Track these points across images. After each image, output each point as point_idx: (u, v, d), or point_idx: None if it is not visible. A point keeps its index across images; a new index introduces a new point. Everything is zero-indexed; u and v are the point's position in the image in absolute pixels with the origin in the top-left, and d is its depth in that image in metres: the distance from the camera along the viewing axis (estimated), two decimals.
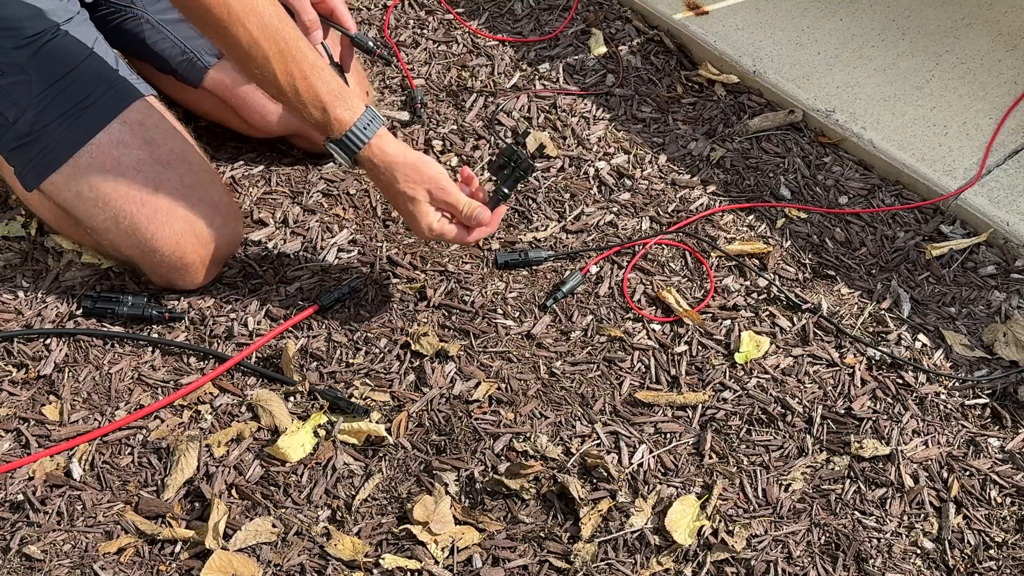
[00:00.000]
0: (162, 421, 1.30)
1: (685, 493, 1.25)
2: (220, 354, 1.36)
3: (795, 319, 1.46)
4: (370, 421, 1.29)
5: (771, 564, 1.19)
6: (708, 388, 1.37)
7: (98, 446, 1.27)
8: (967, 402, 1.36)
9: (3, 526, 1.19)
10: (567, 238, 1.56)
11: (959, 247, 1.56)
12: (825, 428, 1.33)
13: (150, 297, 1.42)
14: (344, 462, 1.27)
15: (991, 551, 1.22)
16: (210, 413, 1.31)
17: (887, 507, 1.26)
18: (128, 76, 1.38)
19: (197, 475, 1.24)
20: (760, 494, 1.26)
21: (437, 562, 1.18)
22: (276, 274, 1.47)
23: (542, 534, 1.21)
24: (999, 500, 1.27)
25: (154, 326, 1.39)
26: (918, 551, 1.22)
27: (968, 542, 1.23)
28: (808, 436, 1.32)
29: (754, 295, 1.49)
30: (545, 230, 1.57)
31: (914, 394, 1.37)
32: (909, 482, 1.28)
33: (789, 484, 1.27)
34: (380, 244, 1.52)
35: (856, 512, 1.25)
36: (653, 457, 1.29)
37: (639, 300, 1.47)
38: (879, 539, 1.23)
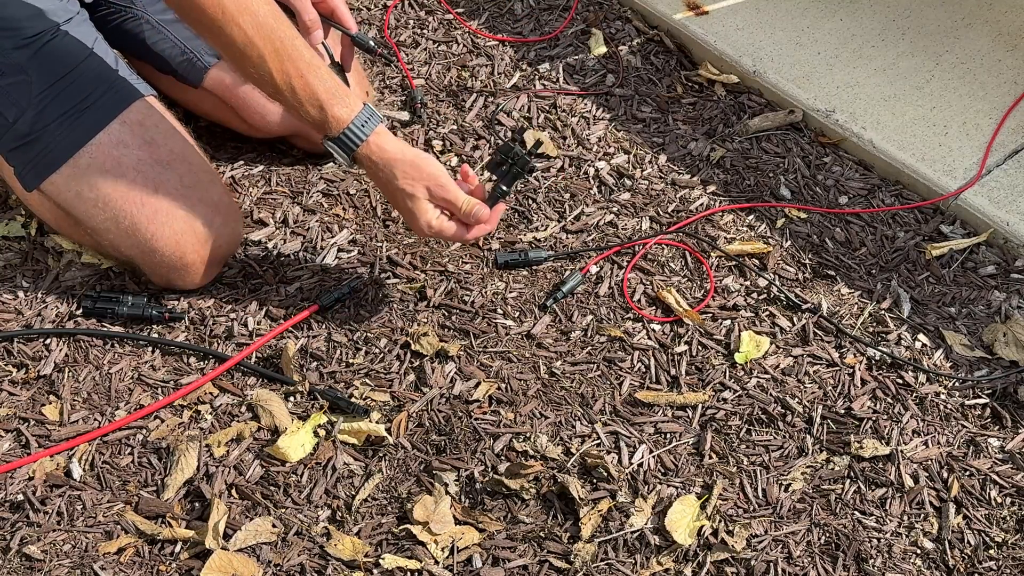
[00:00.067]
0: (162, 421, 1.30)
1: (685, 493, 1.25)
2: (220, 354, 1.36)
3: (795, 319, 1.46)
4: (370, 421, 1.29)
5: (771, 564, 1.19)
6: (708, 388, 1.37)
7: (98, 446, 1.27)
8: (967, 402, 1.36)
9: (3, 526, 1.19)
10: (567, 238, 1.56)
11: (959, 247, 1.56)
12: (825, 428, 1.33)
13: (150, 297, 1.42)
14: (344, 462, 1.27)
15: (991, 551, 1.22)
16: (210, 413, 1.31)
17: (887, 507, 1.26)
18: (128, 76, 1.38)
19: (197, 475, 1.24)
20: (760, 494, 1.26)
21: (437, 562, 1.18)
22: (276, 274, 1.47)
23: (542, 534, 1.21)
24: (999, 500, 1.27)
25: (154, 326, 1.39)
26: (918, 551, 1.22)
27: (968, 542, 1.23)
28: (808, 436, 1.32)
29: (754, 295, 1.49)
30: (545, 230, 1.57)
31: (914, 394, 1.37)
32: (909, 482, 1.28)
33: (789, 484, 1.27)
34: (380, 244, 1.52)
35: (856, 512, 1.25)
36: (653, 457, 1.29)
37: (639, 300, 1.47)
38: (879, 539, 1.23)
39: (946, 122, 1.71)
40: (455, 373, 1.36)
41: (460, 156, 1.67)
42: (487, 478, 1.25)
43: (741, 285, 1.50)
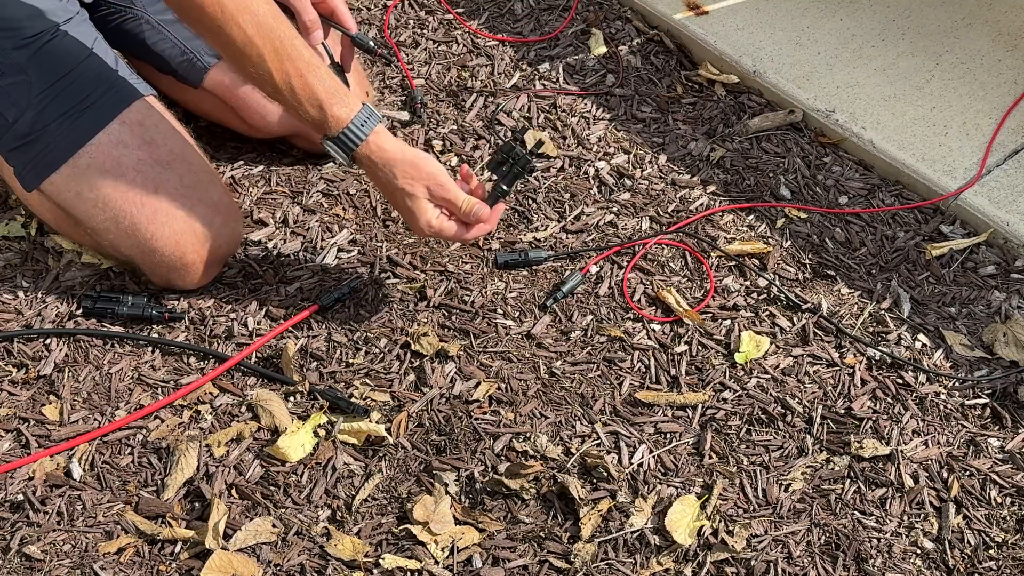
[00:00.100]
0: (162, 421, 1.30)
1: (685, 493, 1.25)
2: (220, 354, 1.36)
3: (795, 319, 1.46)
4: (370, 421, 1.29)
5: (771, 564, 1.19)
6: (708, 388, 1.37)
7: (98, 446, 1.27)
8: (967, 402, 1.36)
9: (3, 526, 1.19)
10: (567, 238, 1.56)
11: (959, 247, 1.56)
12: (825, 428, 1.33)
13: (150, 297, 1.42)
14: (344, 462, 1.27)
15: (991, 551, 1.22)
16: (210, 413, 1.31)
17: (887, 507, 1.26)
18: (128, 76, 1.38)
19: (197, 475, 1.24)
20: (760, 494, 1.26)
21: (437, 562, 1.18)
22: (276, 274, 1.47)
23: (542, 534, 1.21)
24: (999, 500, 1.27)
25: (154, 326, 1.39)
26: (918, 551, 1.22)
27: (968, 542, 1.23)
28: (808, 436, 1.32)
29: (754, 295, 1.49)
30: (545, 230, 1.57)
31: (914, 394, 1.37)
32: (909, 482, 1.28)
33: (789, 484, 1.27)
34: (380, 244, 1.52)
35: (856, 512, 1.25)
36: (653, 457, 1.29)
37: (639, 300, 1.47)
38: (879, 539, 1.23)
39: (946, 122, 1.71)
40: (455, 373, 1.36)
41: (460, 156, 1.67)
42: (487, 478, 1.25)
43: (741, 285, 1.50)
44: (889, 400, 1.36)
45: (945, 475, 1.29)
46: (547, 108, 1.77)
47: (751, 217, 1.60)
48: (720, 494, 1.25)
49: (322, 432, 1.29)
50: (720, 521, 1.23)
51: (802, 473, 1.28)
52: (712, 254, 1.54)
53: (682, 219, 1.59)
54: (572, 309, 1.46)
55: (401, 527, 1.21)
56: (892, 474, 1.28)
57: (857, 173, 1.68)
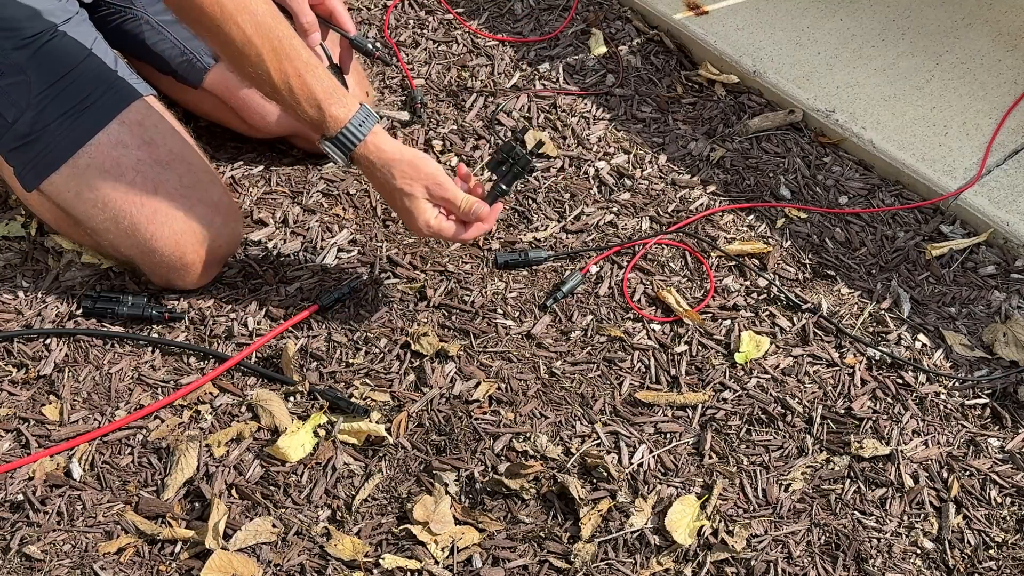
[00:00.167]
0: (162, 421, 1.30)
1: (685, 493, 1.25)
2: (220, 354, 1.36)
3: (795, 319, 1.46)
4: (370, 421, 1.29)
5: (771, 564, 1.19)
6: (708, 388, 1.37)
7: (98, 446, 1.27)
8: (967, 402, 1.36)
9: (3, 526, 1.19)
10: (567, 238, 1.56)
11: (959, 247, 1.56)
12: (825, 428, 1.33)
13: (150, 297, 1.42)
14: (344, 462, 1.27)
15: (991, 551, 1.22)
16: (210, 413, 1.31)
17: (887, 507, 1.26)
18: (127, 76, 1.38)
19: (197, 475, 1.24)
20: (760, 494, 1.26)
21: (437, 562, 1.18)
22: (276, 274, 1.47)
23: (542, 534, 1.21)
24: (999, 500, 1.27)
25: (154, 326, 1.39)
26: (918, 551, 1.22)
27: (968, 542, 1.23)
28: (808, 436, 1.32)
29: (754, 295, 1.49)
30: (545, 230, 1.57)
31: (914, 394, 1.37)
32: (909, 482, 1.28)
33: (789, 484, 1.27)
34: (380, 244, 1.52)
35: (856, 512, 1.25)
36: (653, 457, 1.29)
37: (639, 300, 1.47)
38: (879, 539, 1.23)
39: (946, 122, 1.71)
40: (455, 373, 1.36)
41: (460, 156, 1.67)
42: (487, 478, 1.25)
43: (741, 285, 1.50)
44: (889, 400, 1.36)
45: (945, 475, 1.29)
46: (547, 108, 1.77)
47: (751, 217, 1.60)
48: (720, 494, 1.25)
49: (322, 432, 1.29)
50: (720, 521, 1.23)
51: (802, 473, 1.28)
52: (712, 254, 1.54)
53: (682, 219, 1.59)
54: (572, 309, 1.46)
55: (401, 527, 1.21)
56: (892, 474, 1.28)
57: (857, 173, 1.68)
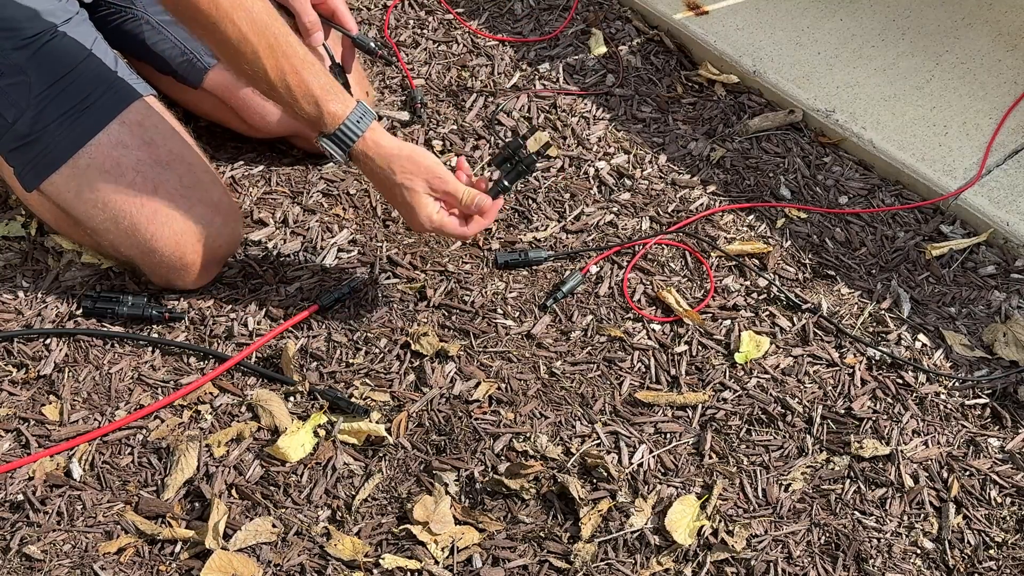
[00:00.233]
0: (162, 421, 1.30)
1: (685, 493, 1.25)
2: (220, 354, 1.36)
3: (795, 319, 1.46)
4: (370, 421, 1.29)
5: (771, 564, 1.19)
6: (708, 388, 1.37)
7: (98, 446, 1.27)
8: (967, 402, 1.36)
9: (3, 526, 1.19)
10: (567, 238, 1.56)
11: (959, 247, 1.56)
12: (825, 428, 1.33)
13: (150, 297, 1.42)
14: (344, 462, 1.27)
15: (991, 551, 1.22)
16: (210, 413, 1.31)
17: (887, 507, 1.26)
18: (127, 76, 1.38)
19: (197, 475, 1.24)
20: (760, 494, 1.26)
21: (437, 562, 1.18)
22: (276, 274, 1.47)
23: (542, 534, 1.21)
24: (999, 500, 1.27)
25: (154, 326, 1.39)
26: (918, 551, 1.22)
27: (968, 542, 1.23)
28: (808, 436, 1.32)
29: (754, 295, 1.49)
30: (545, 230, 1.57)
31: (914, 394, 1.37)
32: (909, 482, 1.28)
33: (789, 484, 1.27)
34: (380, 244, 1.52)
35: (856, 512, 1.25)
36: (653, 457, 1.29)
37: (639, 300, 1.47)
38: (879, 539, 1.23)
39: (946, 122, 1.71)
40: (455, 373, 1.36)
41: (460, 156, 1.67)
42: (487, 478, 1.25)
43: (741, 285, 1.50)
44: (889, 400, 1.36)
45: (945, 475, 1.29)
46: (547, 108, 1.77)
47: (751, 217, 1.60)
48: (720, 494, 1.25)
49: (322, 432, 1.29)
50: (720, 521, 1.23)
51: (802, 473, 1.28)
52: (712, 254, 1.54)
53: (682, 219, 1.59)
54: (572, 309, 1.46)
55: (401, 527, 1.21)
56: (892, 474, 1.28)
57: (857, 173, 1.68)
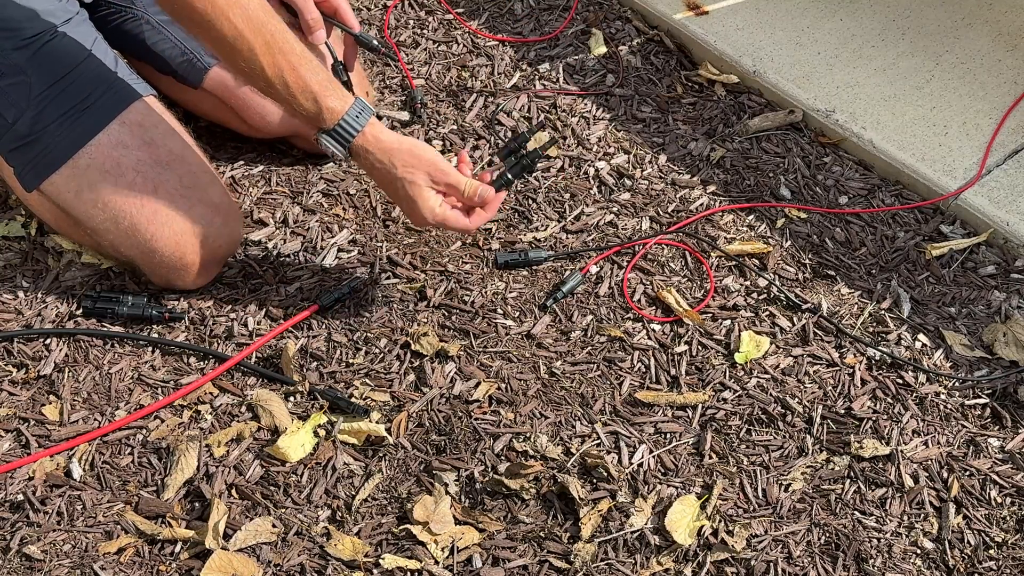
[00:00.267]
0: (162, 421, 1.30)
1: (685, 493, 1.25)
2: (220, 354, 1.36)
3: (795, 319, 1.46)
4: (370, 421, 1.29)
5: (771, 564, 1.19)
6: (708, 388, 1.37)
7: (98, 446, 1.27)
8: (967, 402, 1.36)
9: (3, 526, 1.19)
10: (567, 238, 1.56)
11: (959, 247, 1.56)
12: (825, 428, 1.33)
13: (150, 297, 1.42)
14: (344, 462, 1.27)
15: (991, 551, 1.22)
16: (210, 413, 1.31)
17: (887, 507, 1.26)
18: (127, 76, 1.38)
19: (197, 475, 1.24)
20: (760, 494, 1.26)
21: (437, 562, 1.18)
22: (276, 274, 1.47)
23: (542, 534, 1.21)
24: (999, 500, 1.27)
25: (154, 326, 1.39)
26: (918, 551, 1.22)
27: (968, 542, 1.23)
28: (808, 436, 1.32)
29: (754, 295, 1.49)
30: (545, 230, 1.57)
31: (914, 394, 1.37)
32: (909, 482, 1.28)
33: (789, 484, 1.27)
34: (380, 244, 1.52)
35: (856, 512, 1.25)
36: (653, 457, 1.29)
37: (639, 300, 1.47)
38: (879, 539, 1.23)
39: (946, 122, 1.71)
40: (455, 373, 1.36)
41: (462, 150, 1.67)
42: (487, 478, 1.25)
43: (741, 285, 1.50)
44: (889, 400, 1.36)
45: (945, 475, 1.29)
46: (547, 108, 1.77)
47: (751, 217, 1.60)
48: (720, 494, 1.25)
49: (322, 432, 1.29)
50: (720, 521, 1.23)
51: (802, 473, 1.28)
52: (712, 254, 1.54)
53: (682, 219, 1.59)
54: (572, 309, 1.46)
55: (401, 527, 1.21)
56: (892, 474, 1.28)
57: (857, 173, 1.68)
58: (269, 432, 1.29)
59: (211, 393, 1.33)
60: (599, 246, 1.54)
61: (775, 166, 1.68)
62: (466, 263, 1.51)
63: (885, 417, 1.34)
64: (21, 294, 1.42)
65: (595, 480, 1.26)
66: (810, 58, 1.82)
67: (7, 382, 1.32)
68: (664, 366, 1.39)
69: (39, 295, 1.42)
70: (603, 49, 1.88)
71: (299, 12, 1.36)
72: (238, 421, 1.30)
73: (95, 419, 1.30)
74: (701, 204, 1.61)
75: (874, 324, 1.46)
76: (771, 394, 1.36)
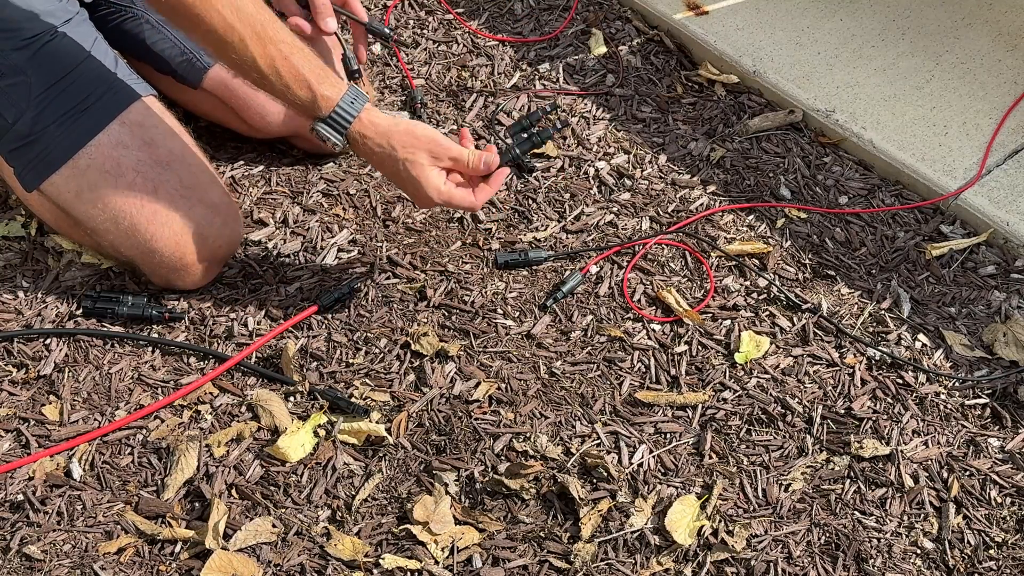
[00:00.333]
0: (162, 421, 1.30)
1: (685, 493, 1.25)
2: (220, 354, 1.36)
3: (795, 319, 1.46)
4: (370, 421, 1.29)
5: (771, 564, 1.19)
6: (708, 388, 1.37)
7: (98, 446, 1.27)
8: (967, 402, 1.36)
9: (3, 526, 1.19)
10: (567, 238, 1.56)
11: (959, 247, 1.56)
12: (825, 428, 1.33)
13: (150, 297, 1.42)
14: (344, 462, 1.27)
15: (991, 551, 1.22)
16: (210, 413, 1.31)
17: (887, 507, 1.26)
18: (127, 77, 1.38)
19: (197, 475, 1.24)
20: (760, 494, 1.26)
21: (437, 562, 1.18)
22: (276, 274, 1.47)
23: (542, 534, 1.21)
24: (999, 500, 1.27)
25: (154, 326, 1.39)
26: (918, 551, 1.22)
27: (968, 542, 1.23)
28: (808, 436, 1.32)
29: (754, 295, 1.49)
30: (545, 230, 1.57)
31: (914, 394, 1.37)
32: (909, 482, 1.28)
33: (789, 484, 1.27)
34: (380, 244, 1.52)
35: (856, 512, 1.25)
36: (653, 457, 1.29)
37: (639, 300, 1.47)
38: (879, 539, 1.23)
39: (946, 122, 1.71)
40: (455, 373, 1.36)
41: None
42: (487, 478, 1.25)
43: (741, 285, 1.50)
44: (889, 400, 1.36)
45: (945, 475, 1.29)
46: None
47: (751, 217, 1.60)
48: (720, 494, 1.25)
49: (322, 432, 1.29)
50: (720, 521, 1.23)
51: (802, 473, 1.28)
52: (712, 254, 1.54)
53: (682, 219, 1.59)
54: (572, 309, 1.46)
55: (401, 527, 1.21)
56: (892, 474, 1.28)
57: (857, 173, 1.68)
58: (269, 432, 1.29)
59: (211, 393, 1.33)
60: (599, 246, 1.54)
61: (775, 166, 1.68)
62: (466, 263, 1.51)
63: (885, 417, 1.34)
64: (21, 294, 1.42)
65: (595, 480, 1.26)
66: (810, 58, 1.82)
67: (7, 382, 1.32)
68: (664, 366, 1.39)
69: (39, 295, 1.42)
70: (603, 49, 1.88)
71: (310, 1, 1.37)
72: (238, 421, 1.30)
73: (95, 419, 1.30)
74: (701, 204, 1.61)
75: (874, 324, 1.46)
76: (771, 394, 1.36)
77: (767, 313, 1.46)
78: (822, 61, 1.82)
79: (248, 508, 1.22)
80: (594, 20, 1.94)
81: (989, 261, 1.54)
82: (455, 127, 1.72)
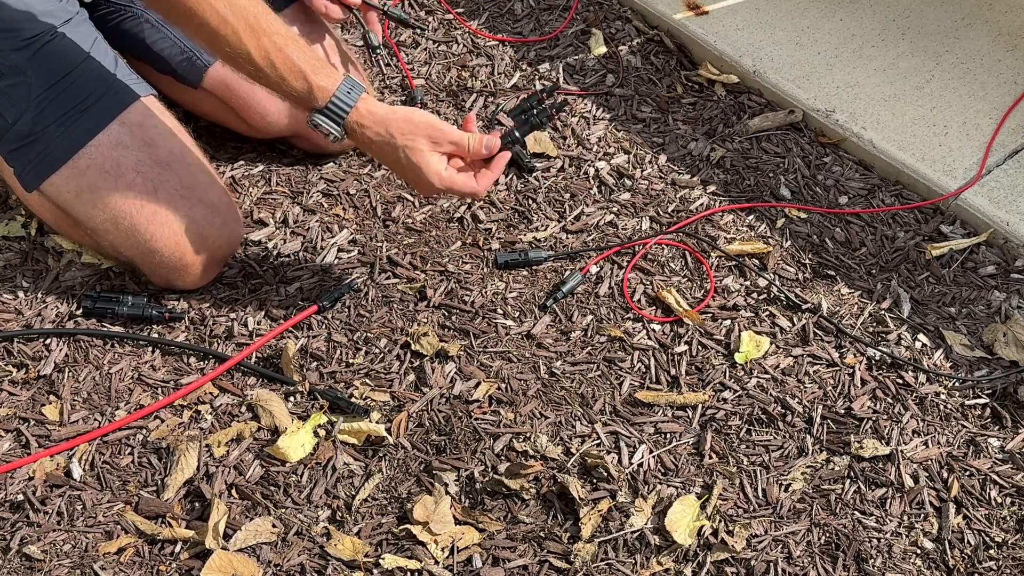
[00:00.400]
0: (162, 421, 1.30)
1: (685, 493, 1.25)
2: (220, 354, 1.36)
3: (795, 319, 1.46)
4: (370, 421, 1.29)
5: (771, 564, 1.19)
6: (708, 388, 1.37)
7: (98, 446, 1.27)
8: (967, 402, 1.36)
9: (3, 526, 1.19)
10: (567, 238, 1.56)
11: (959, 247, 1.56)
12: (825, 428, 1.33)
13: (150, 297, 1.42)
14: (344, 462, 1.27)
15: (991, 551, 1.22)
16: (210, 413, 1.31)
17: (887, 507, 1.26)
18: (127, 77, 1.38)
19: (197, 475, 1.24)
20: (760, 494, 1.26)
21: (437, 562, 1.18)
22: (276, 274, 1.47)
23: (542, 534, 1.21)
24: (999, 500, 1.27)
25: (154, 326, 1.39)
26: (918, 551, 1.22)
27: (968, 542, 1.23)
28: (808, 436, 1.32)
29: (754, 295, 1.49)
30: (545, 230, 1.57)
31: (914, 394, 1.37)
32: (909, 482, 1.28)
33: (789, 484, 1.27)
34: (380, 244, 1.52)
35: (856, 512, 1.25)
36: (653, 457, 1.29)
37: (639, 300, 1.47)
38: (879, 539, 1.23)
39: (946, 122, 1.71)
40: (455, 373, 1.36)
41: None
42: (487, 478, 1.25)
43: (741, 285, 1.50)
44: (889, 400, 1.36)
45: (945, 475, 1.29)
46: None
47: (751, 217, 1.60)
48: (720, 494, 1.25)
49: (322, 432, 1.29)
50: (720, 521, 1.23)
51: (802, 473, 1.28)
52: (712, 254, 1.54)
53: (682, 219, 1.59)
54: (572, 309, 1.46)
55: (401, 527, 1.21)
56: (892, 474, 1.28)
57: (857, 173, 1.68)
58: (269, 432, 1.29)
59: (211, 393, 1.33)
60: (599, 246, 1.54)
61: (775, 166, 1.68)
62: (466, 263, 1.51)
63: (885, 417, 1.34)
64: (21, 294, 1.42)
65: (595, 480, 1.26)
66: (810, 58, 1.82)
67: (7, 382, 1.32)
68: (664, 366, 1.39)
69: (39, 295, 1.42)
70: (603, 49, 1.88)
71: None
72: (238, 421, 1.30)
73: (95, 419, 1.30)
74: (701, 204, 1.61)
75: (874, 324, 1.46)
76: (771, 394, 1.36)
77: (767, 313, 1.46)
78: (822, 61, 1.82)
79: (248, 508, 1.22)
80: (594, 20, 1.94)
81: (989, 261, 1.54)
82: (456, 126, 1.71)
